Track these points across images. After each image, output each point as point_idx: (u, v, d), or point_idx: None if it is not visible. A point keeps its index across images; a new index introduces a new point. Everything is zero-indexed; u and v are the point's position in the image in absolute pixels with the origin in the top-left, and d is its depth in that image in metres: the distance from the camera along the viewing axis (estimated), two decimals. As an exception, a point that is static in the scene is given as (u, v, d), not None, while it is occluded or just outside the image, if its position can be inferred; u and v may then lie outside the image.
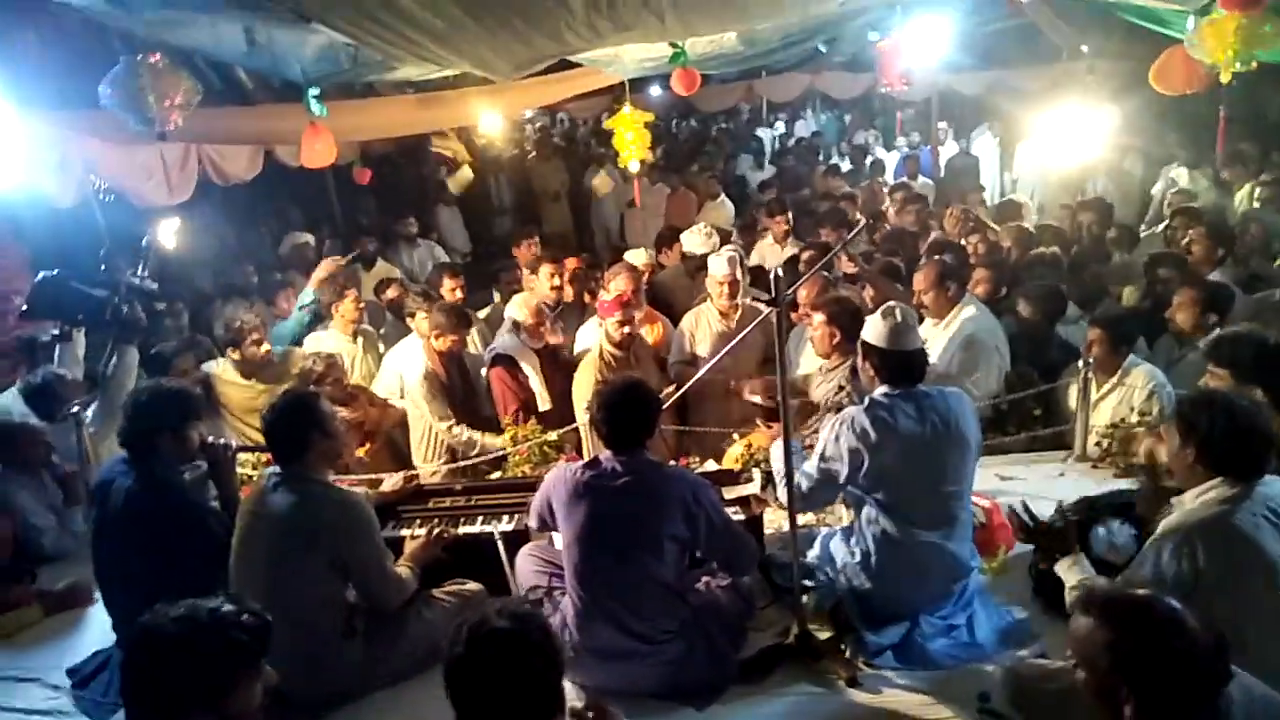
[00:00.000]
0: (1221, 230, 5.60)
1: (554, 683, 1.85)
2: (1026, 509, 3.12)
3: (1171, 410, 4.09)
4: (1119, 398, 4.31)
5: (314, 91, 5.79)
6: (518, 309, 5.19)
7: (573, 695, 2.87)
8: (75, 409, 4.20)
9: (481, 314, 6.51)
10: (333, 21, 3.08)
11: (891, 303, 3.29)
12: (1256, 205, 6.34)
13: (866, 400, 3.23)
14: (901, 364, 3.20)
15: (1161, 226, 6.63)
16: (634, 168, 7.14)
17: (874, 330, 3.24)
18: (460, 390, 5.18)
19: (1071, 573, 2.71)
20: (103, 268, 4.10)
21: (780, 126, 18.19)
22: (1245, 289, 5.25)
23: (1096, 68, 9.15)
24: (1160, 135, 9.24)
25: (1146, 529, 3.08)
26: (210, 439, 3.52)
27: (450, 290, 6.03)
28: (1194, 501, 2.52)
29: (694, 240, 6.43)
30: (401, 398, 5.47)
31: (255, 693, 2.05)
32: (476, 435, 4.74)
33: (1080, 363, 4.35)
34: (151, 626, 1.99)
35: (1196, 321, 4.49)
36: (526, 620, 1.88)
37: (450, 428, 4.92)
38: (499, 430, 4.84)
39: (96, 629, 3.64)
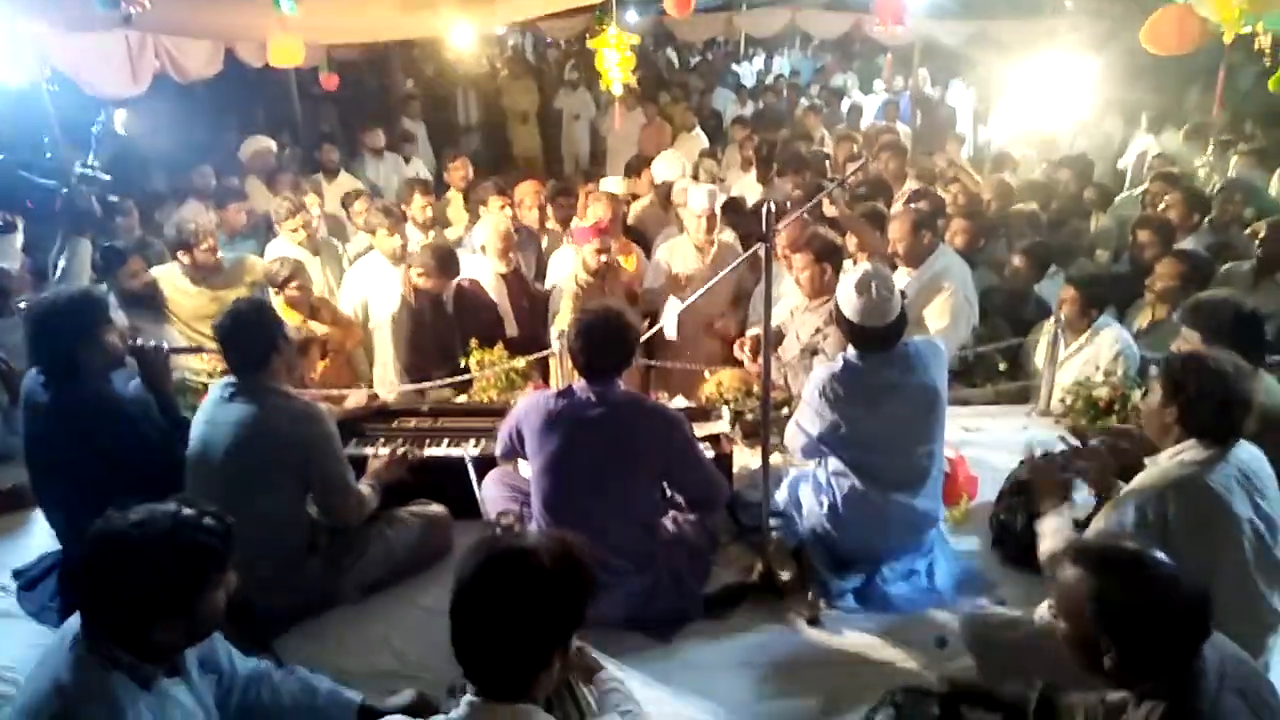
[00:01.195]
0: (1198, 196, 5.63)
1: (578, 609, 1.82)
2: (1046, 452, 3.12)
3: (1135, 370, 4.19)
4: (1086, 356, 4.37)
5: (284, -14, 5.51)
6: (485, 233, 5.05)
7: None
8: (22, 304, 4.02)
9: (452, 235, 6.34)
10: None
11: (868, 271, 3.13)
12: (1232, 174, 6.40)
13: (840, 361, 3.16)
14: (872, 338, 3.12)
15: (1139, 190, 6.67)
16: (617, 91, 6.94)
17: (849, 302, 3.10)
18: (435, 329, 4.92)
19: (1054, 521, 2.75)
20: (48, 156, 3.88)
21: (759, 63, 17.90)
22: (1217, 256, 5.31)
23: (1080, 24, 9.10)
24: (1140, 96, 9.26)
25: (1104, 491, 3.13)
26: (139, 341, 3.32)
27: (421, 207, 5.85)
28: (1169, 460, 2.55)
29: (665, 167, 6.33)
30: (363, 316, 5.33)
31: (221, 596, 2.01)
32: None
33: (1050, 320, 4.38)
34: (110, 533, 1.91)
35: (1177, 293, 4.52)
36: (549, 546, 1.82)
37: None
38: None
39: (43, 530, 3.53)
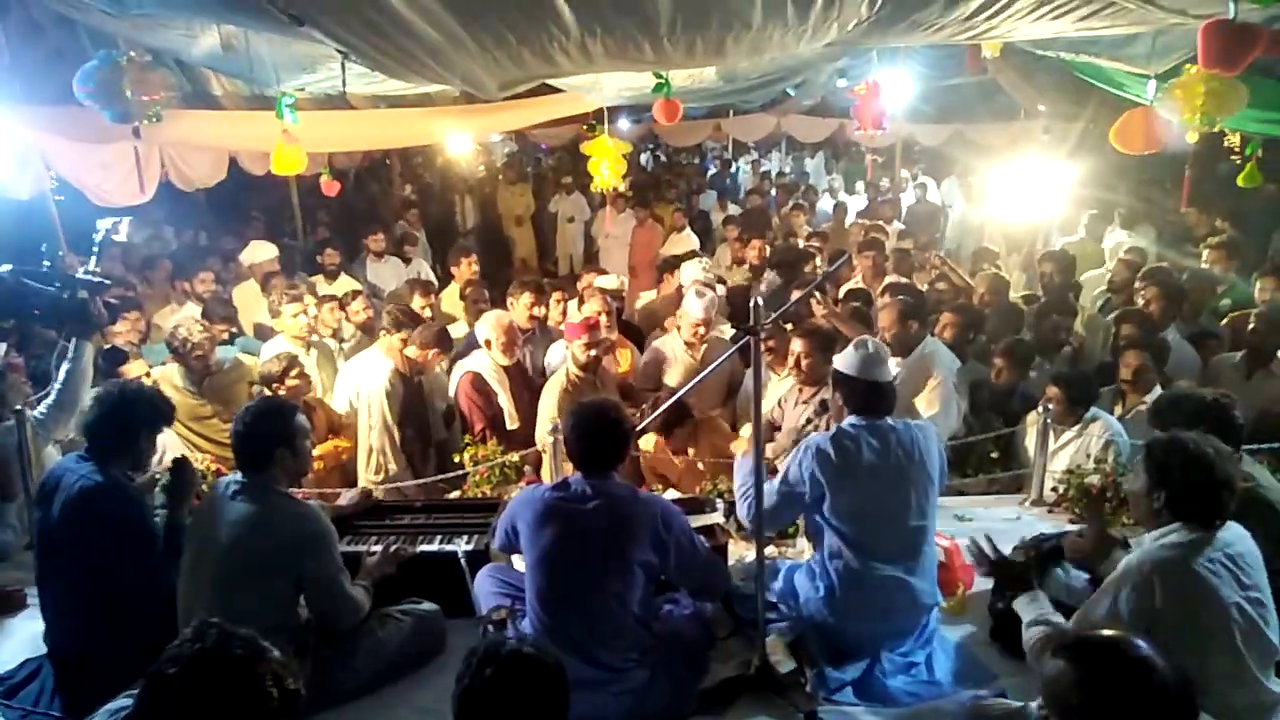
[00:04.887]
0: (1174, 288, 5.78)
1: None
2: (990, 541, 3.18)
3: (1128, 458, 4.22)
4: (1077, 446, 4.41)
5: (288, 100, 5.73)
6: (489, 327, 5.14)
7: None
8: (20, 408, 4.06)
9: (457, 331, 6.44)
10: (328, 27, 3.03)
11: (865, 336, 3.35)
12: (1204, 267, 6.58)
13: (833, 429, 3.26)
14: (871, 394, 3.26)
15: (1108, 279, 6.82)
16: (610, 191, 7.17)
17: (846, 360, 3.32)
18: (416, 407, 5.16)
19: (1029, 609, 2.74)
20: (46, 264, 3.99)
21: (744, 165, 18.46)
22: (1198, 346, 5.41)
23: (1053, 127, 9.45)
24: (1113, 194, 9.56)
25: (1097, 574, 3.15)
26: (184, 456, 3.48)
27: (420, 307, 5.97)
28: (1154, 543, 2.56)
29: (693, 271, 6.56)
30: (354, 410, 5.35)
31: None
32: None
33: (1040, 408, 4.43)
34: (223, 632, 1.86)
35: (1147, 378, 4.63)
36: (545, 651, 1.96)
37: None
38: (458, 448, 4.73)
39: (25, 636, 3.50)
